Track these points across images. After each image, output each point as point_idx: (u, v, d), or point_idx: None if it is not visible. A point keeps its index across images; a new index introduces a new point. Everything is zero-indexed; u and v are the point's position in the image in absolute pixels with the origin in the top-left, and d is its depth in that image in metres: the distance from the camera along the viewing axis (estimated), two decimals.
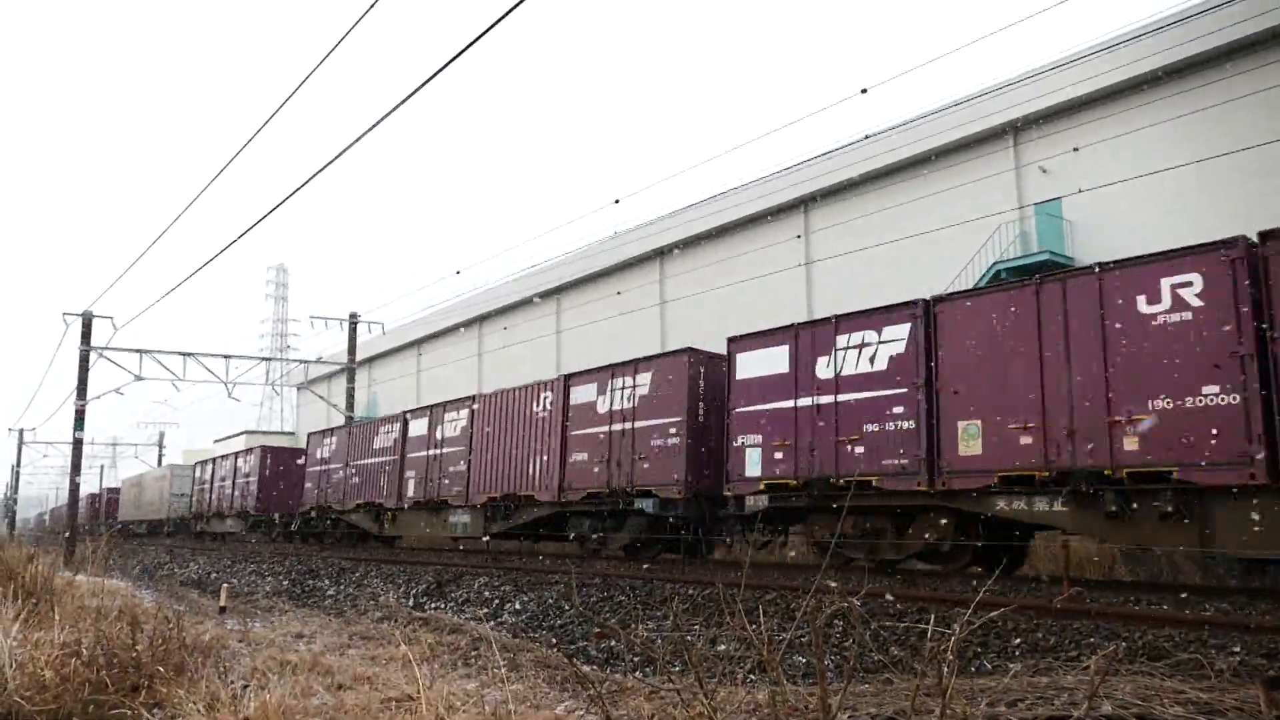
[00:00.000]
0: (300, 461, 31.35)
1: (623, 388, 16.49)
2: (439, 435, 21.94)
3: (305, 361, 45.27)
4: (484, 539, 20.04)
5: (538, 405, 18.52)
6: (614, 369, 16.89)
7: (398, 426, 23.98)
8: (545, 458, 18.00)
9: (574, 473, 17.20)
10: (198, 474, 40.91)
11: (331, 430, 28.76)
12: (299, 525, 30.01)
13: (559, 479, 17.44)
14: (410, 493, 22.77)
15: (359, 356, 37.00)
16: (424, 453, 22.52)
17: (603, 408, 16.82)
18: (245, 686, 6.67)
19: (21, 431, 61.96)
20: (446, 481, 21.31)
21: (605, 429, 16.64)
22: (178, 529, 43.75)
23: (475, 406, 20.76)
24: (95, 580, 14.22)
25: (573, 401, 17.59)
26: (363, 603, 14.74)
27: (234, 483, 34.84)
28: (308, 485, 29.06)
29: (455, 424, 21.42)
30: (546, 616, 11.76)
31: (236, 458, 35.48)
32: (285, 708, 5.70)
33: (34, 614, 8.96)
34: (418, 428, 23.10)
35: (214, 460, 38.69)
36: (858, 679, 6.27)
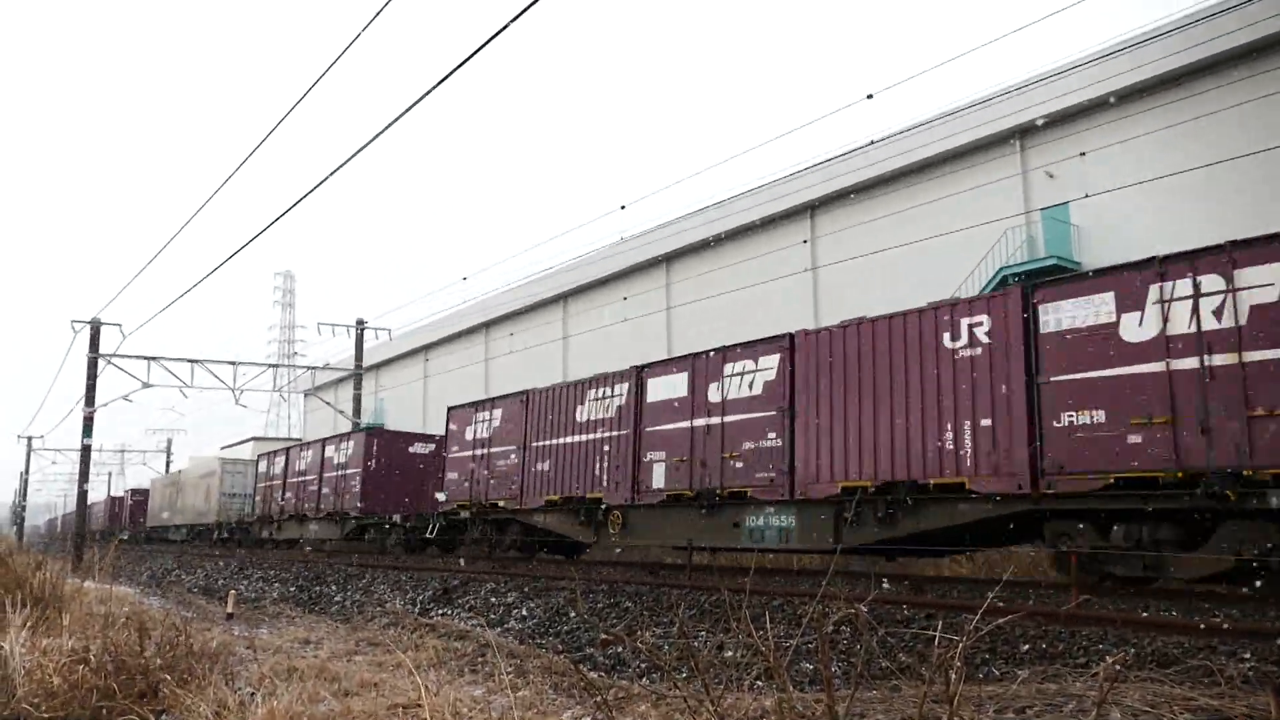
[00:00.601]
0: (414, 449, 26.68)
1: (1192, 295, 9.80)
2: (713, 396, 15.42)
3: (312, 368, 45.46)
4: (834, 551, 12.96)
5: (950, 337, 12.02)
6: (1166, 263, 10.11)
7: (623, 388, 17.32)
8: (985, 421, 11.49)
9: (1063, 446, 10.65)
10: (263, 468, 34.34)
11: (492, 401, 21.62)
12: (435, 530, 23.26)
13: (1027, 457, 10.93)
14: (657, 483, 16.25)
15: (366, 363, 37.13)
16: (682, 424, 15.92)
17: (1138, 333, 10.23)
18: (252, 693, 6.68)
19: (30, 439, 62.26)
20: (739, 465, 14.70)
21: (1152, 368, 10.03)
22: (234, 535, 37.02)
23: (797, 347, 14.22)
24: (103, 587, 14.23)
25: (1044, 328, 11.00)
26: (370, 609, 14.76)
27: (321, 478, 28.84)
28: (450, 476, 22.33)
29: (749, 378, 14.93)
30: (553, 623, 11.74)
31: (324, 446, 29.34)
32: (292, 714, 5.71)
33: (42, 621, 8.98)
34: (665, 388, 16.53)
35: (287, 451, 32.84)
36: (865, 685, 6.25)
